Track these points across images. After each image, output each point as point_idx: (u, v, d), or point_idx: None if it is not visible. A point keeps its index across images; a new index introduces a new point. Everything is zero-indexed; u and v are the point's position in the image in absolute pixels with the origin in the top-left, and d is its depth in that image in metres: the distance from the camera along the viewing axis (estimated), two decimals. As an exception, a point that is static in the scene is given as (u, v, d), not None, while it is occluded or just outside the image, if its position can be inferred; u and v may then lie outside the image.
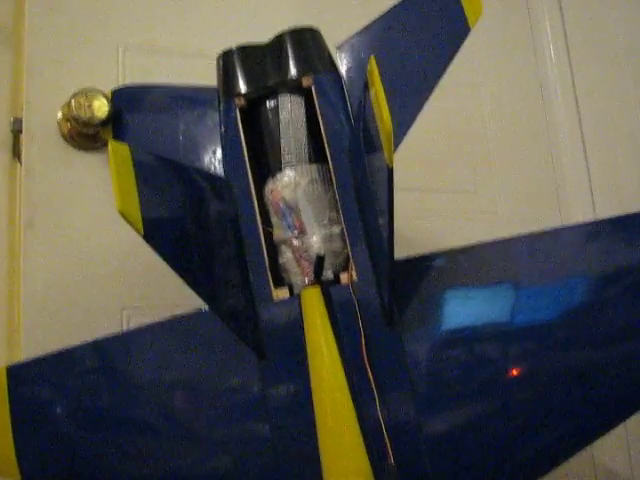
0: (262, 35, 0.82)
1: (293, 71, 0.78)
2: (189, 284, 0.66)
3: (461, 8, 0.78)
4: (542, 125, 1.16)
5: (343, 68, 0.81)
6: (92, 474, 0.74)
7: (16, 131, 0.90)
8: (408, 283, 0.72)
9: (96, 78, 0.92)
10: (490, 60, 1.16)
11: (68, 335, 0.79)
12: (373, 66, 0.59)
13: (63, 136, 0.90)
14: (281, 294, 0.73)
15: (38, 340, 0.82)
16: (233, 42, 0.81)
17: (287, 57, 0.79)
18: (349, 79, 0.80)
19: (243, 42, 0.81)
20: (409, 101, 0.77)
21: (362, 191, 0.74)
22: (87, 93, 0.87)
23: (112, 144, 0.64)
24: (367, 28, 0.83)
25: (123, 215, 0.60)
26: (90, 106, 0.86)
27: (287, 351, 0.71)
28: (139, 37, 0.98)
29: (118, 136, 0.88)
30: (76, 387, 0.76)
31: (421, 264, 0.73)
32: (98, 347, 0.77)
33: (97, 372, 0.78)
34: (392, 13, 0.82)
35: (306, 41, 0.80)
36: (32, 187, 0.88)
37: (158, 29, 1.00)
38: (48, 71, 0.92)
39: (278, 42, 0.80)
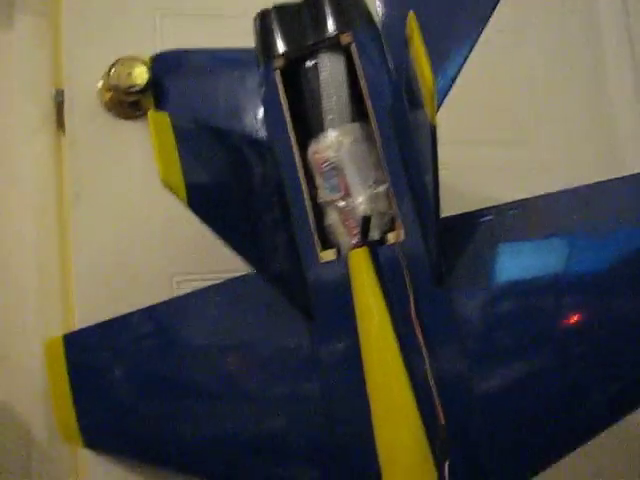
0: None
1: (331, 28, 0.77)
2: (235, 250, 0.66)
3: None
4: (596, 74, 1.11)
5: (384, 20, 0.79)
6: (149, 437, 0.76)
7: (59, 102, 0.90)
8: (457, 240, 0.71)
9: (136, 45, 0.92)
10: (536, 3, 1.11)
11: (121, 303, 0.80)
12: (413, 23, 0.57)
13: (105, 105, 0.90)
14: (328, 256, 0.73)
15: (92, 309, 0.84)
16: (272, 1, 0.80)
17: (324, 14, 0.77)
18: (390, 32, 0.78)
19: (280, 1, 0.80)
20: (453, 52, 0.74)
21: (406, 149, 0.72)
22: (126, 61, 0.87)
23: (151, 113, 0.65)
24: None
25: (166, 184, 0.61)
26: (130, 74, 0.86)
27: (336, 312, 0.71)
28: (177, 2, 0.97)
29: (159, 103, 0.88)
30: (131, 352, 0.78)
31: (470, 221, 0.72)
32: (151, 313, 0.78)
33: (151, 337, 0.80)
34: None
35: (342, -1, 0.78)
36: (76, 158, 0.89)
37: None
38: (87, 41, 0.91)
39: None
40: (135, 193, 0.90)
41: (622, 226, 0.69)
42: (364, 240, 0.70)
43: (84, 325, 0.81)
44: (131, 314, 0.78)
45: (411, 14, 0.58)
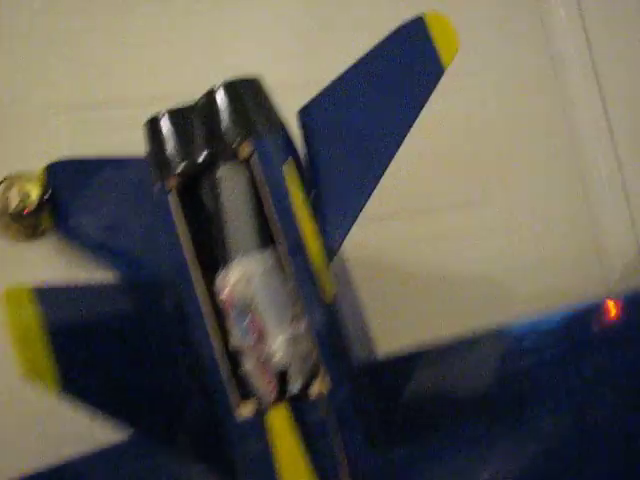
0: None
1: (229, 137, 0.65)
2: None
3: (434, 49, 0.66)
4: (559, 110, 0.99)
5: (305, 135, 0.69)
6: None
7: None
8: (397, 388, 0.60)
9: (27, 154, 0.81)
10: (490, 45, 0.99)
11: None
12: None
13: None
14: (246, 411, 0.62)
15: None
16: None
17: (219, 120, 0.66)
18: (312, 147, 0.68)
19: (173, 104, 0.68)
20: (374, 162, 0.64)
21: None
22: (14, 180, 0.77)
23: (7, 290, 0.54)
24: (333, 85, 0.70)
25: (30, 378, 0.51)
26: (19, 195, 0.76)
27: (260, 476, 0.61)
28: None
29: (59, 218, 0.78)
30: None
31: (407, 363, 0.61)
32: None
33: None
34: (358, 66, 0.69)
35: (242, 97, 0.67)
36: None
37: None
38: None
39: (208, 102, 0.67)
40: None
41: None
42: (281, 398, 0.60)
43: None
44: None
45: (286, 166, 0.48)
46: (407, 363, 0.60)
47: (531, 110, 0.99)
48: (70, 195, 0.78)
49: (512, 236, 0.94)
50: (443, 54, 0.66)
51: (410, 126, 0.65)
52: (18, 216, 0.77)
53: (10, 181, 0.77)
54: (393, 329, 0.83)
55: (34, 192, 0.76)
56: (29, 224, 0.78)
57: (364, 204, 0.63)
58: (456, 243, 0.93)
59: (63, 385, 0.53)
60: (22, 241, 0.80)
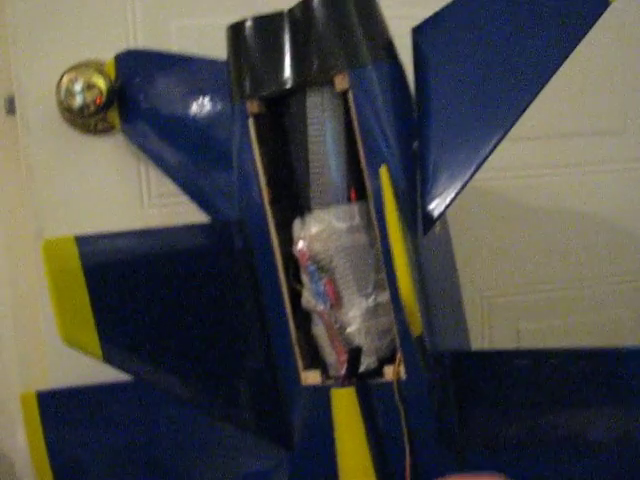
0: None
1: (325, 62, 0.54)
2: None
3: None
4: None
5: (417, 62, 0.56)
6: None
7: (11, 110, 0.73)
8: (480, 386, 0.53)
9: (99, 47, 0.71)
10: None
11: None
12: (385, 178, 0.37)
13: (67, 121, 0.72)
14: (311, 379, 0.57)
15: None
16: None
17: (316, 38, 0.54)
18: (424, 80, 0.55)
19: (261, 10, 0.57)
20: (501, 110, 0.52)
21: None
22: (78, 72, 0.68)
23: (46, 245, 0.48)
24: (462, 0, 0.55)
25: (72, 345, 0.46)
26: (83, 91, 0.67)
27: (317, 447, 0.57)
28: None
29: (125, 113, 0.69)
30: None
31: (502, 362, 0.52)
32: None
33: None
34: None
35: (346, 13, 0.54)
36: (38, 189, 0.73)
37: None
38: (40, 41, 0.71)
39: (303, 12, 0.55)
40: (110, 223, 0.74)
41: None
42: (350, 379, 0.53)
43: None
44: None
45: (383, 169, 0.37)
46: (500, 360, 0.52)
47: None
48: (138, 92, 0.68)
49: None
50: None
51: (558, 66, 0.51)
52: (79, 116, 0.68)
53: (75, 72, 0.68)
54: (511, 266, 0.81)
55: (101, 85, 0.67)
56: (94, 121, 0.70)
57: (480, 164, 0.52)
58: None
59: (108, 351, 0.49)
60: (90, 132, 0.72)
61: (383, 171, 0.45)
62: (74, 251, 0.50)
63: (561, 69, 0.52)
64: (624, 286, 0.84)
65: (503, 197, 0.83)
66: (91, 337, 0.49)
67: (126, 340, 0.52)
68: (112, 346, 0.50)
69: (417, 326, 0.40)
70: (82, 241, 0.51)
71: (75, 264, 0.50)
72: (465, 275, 0.73)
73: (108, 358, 0.50)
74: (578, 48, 0.52)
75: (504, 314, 0.82)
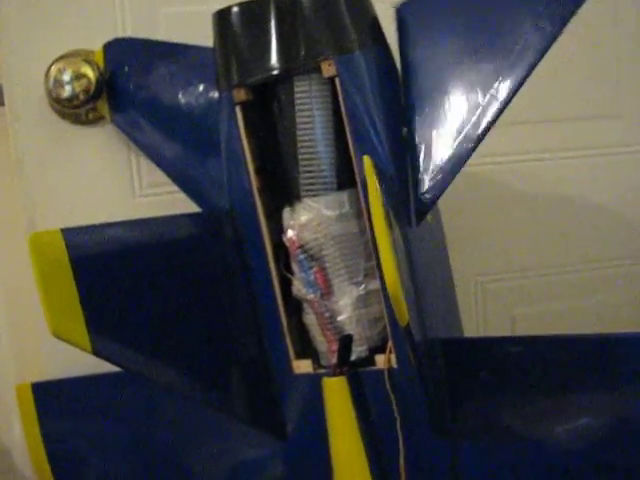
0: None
1: (312, 48, 0.53)
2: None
3: None
4: None
5: (402, 42, 0.55)
6: None
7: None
8: (472, 373, 0.52)
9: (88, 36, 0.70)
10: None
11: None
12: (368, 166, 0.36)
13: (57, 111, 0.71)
14: (303, 367, 0.57)
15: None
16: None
17: (302, 26, 0.53)
18: (411, 57, 0.54)
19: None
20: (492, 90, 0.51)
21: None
22: (67, 61, 0.67)
23: (33, 238, 0.47)
24: None
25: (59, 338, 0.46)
26: (71, 81, 0.67)
27: (310, 436, 0.57)
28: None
29: (116, 109, 0.69)
30: None
31: (492, 349, 0.52)
32: None
33: None
34: None
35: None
36: (28, 180, 0.73)
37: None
38: (28, 30, 0.71)
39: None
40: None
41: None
42: (341, 368, 0.53)
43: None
44: None
45: (367, 158, 0.37)
46: (492, 347, 0.52)
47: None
48: (127, 81, 0.68)
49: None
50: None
51: (551, 42, 0.50)
52: (67, 106, 0.68)
53: (63, 62, 0.67)
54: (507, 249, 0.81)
55: (90, 74, 0.67)
56: (83, 111, 0.70)
57: (473, 149, 0.51)
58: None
59: (97, 343, 0.48)
60: (79, 123, 0.72)
61: (367, 159, 0.44)
62: (61, 243, 0.50)
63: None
64: (619, 270, 0.84)
65: (498, 182, 0.83)
66: (80, 329, 0.49)
67: (116, 332, 0.51)
68: (101, 338, 0.50)
69: (403, 316, 0.40)
70: (69, 233, 0.50)
71: (62, 256, 0.49)
72: (460, 260, 0.73)
73: (97, 350, 0.50)
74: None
75: (499, 299, 0.82)
